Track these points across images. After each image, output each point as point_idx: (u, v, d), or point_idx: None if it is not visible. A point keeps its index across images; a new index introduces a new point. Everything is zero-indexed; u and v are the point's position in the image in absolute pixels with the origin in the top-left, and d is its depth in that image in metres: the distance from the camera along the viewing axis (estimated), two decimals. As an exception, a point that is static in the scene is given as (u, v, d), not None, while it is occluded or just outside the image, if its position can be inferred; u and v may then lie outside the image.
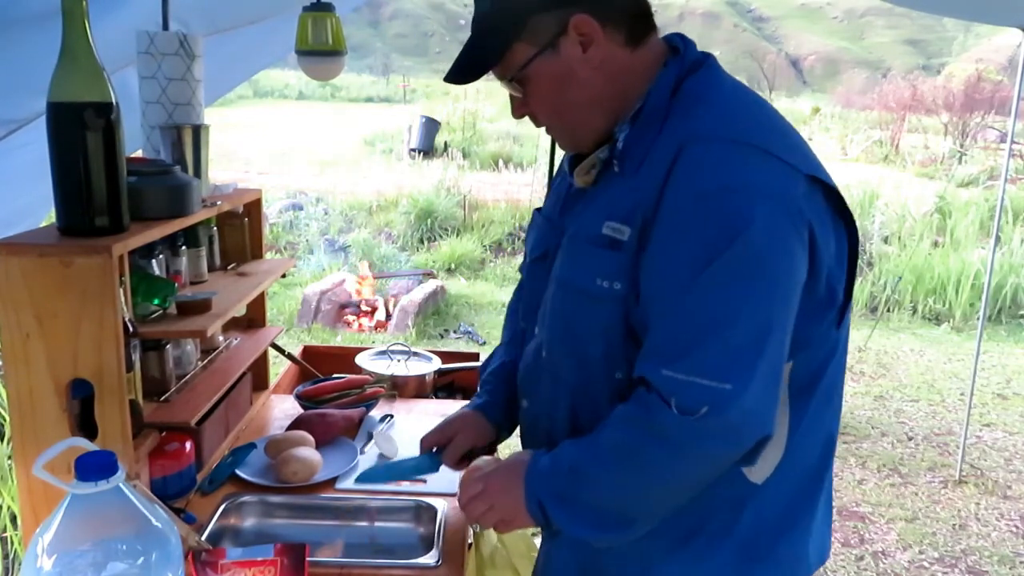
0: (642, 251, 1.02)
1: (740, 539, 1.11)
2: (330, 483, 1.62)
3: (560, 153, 1.28)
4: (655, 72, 1.09)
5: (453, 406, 2.03)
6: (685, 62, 1.09)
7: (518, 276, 1.41)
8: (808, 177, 1.00)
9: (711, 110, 1.05)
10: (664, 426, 0.97)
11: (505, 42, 1.09)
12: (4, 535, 2.81)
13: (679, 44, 1.12)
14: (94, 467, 0.84)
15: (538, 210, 1.34)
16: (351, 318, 6.18)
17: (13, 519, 2.80)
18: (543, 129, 1.18)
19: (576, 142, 1.17)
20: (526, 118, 1.17)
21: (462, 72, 1.13)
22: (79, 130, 1.21)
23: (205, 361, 1.76)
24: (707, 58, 1.12)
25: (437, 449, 1.40)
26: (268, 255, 3.00)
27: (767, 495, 1.10)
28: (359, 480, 1.53)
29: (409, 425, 1.94)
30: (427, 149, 12.60)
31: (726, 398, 0.93)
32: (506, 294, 6.69)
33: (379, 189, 9.70)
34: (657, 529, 1.10)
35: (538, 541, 1.49)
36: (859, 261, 1.05)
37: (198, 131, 1.69)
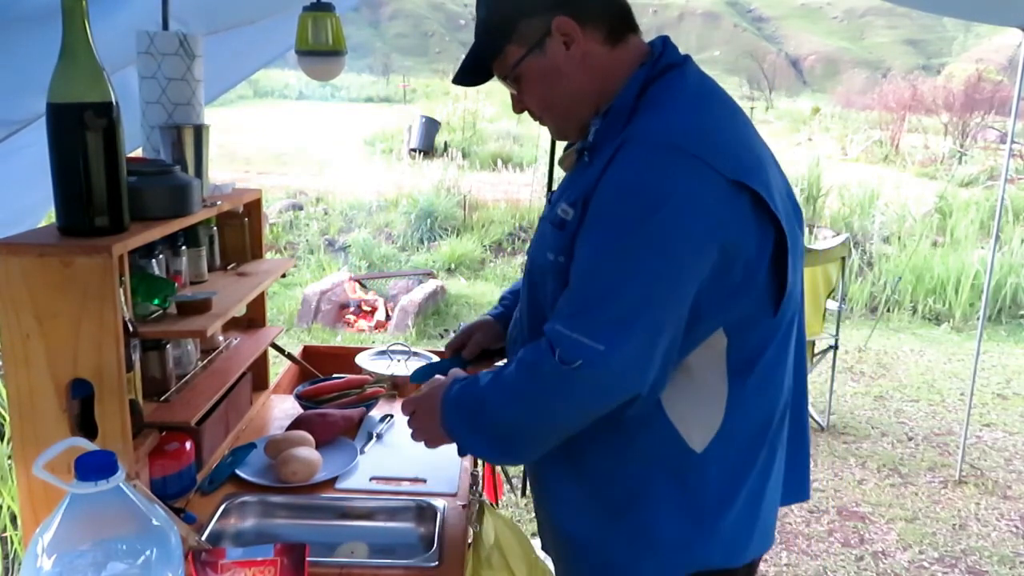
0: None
1: (687, 505, 1.22)
2: (330, 483, 1.62)
3: (559, 153, 1.35)
4: (633, 71, 1.22)
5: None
6: (657, 66, 1.21)
7: (518, 276, 1.50)
8: (732, 182, 1.11)
9: (659, 114, 1.16)
10: (545, 371, 1.11)
11: (499, 45, 1.24)
12: (4, 535, 2.82)
13: (659, 47, 1.24)
14: (94, 467, 0.84)
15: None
16: (351, 318, 6.18)
17: (13, 519, 2.80)
18: (543, 130, 1.32)
19: (564, 131, 1.31)
20: (523, 117, 1.33)
21: (468, 74, 1.30)
22: (79, 130, 1.21)
23: (205, 361, 1.76)
24: (684, 63, 1.23)
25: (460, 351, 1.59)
26: (268, 255, 3.01)
27: (708, 466, 1.21)
28: (412, 379, 1.59)
29: (409, 425, 1.94)
30: (427, 149, 12.59)
31: (598, 356, 1.08)
32: (506, 294, 6.66)
33: (379, 189, 9.69)
34: (603, 492, 1.24)
35: (536, 543, 1.50)
36: (787, 256, 1.20)
37: (198, 131, 1.69)
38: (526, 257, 1.33)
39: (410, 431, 1.34)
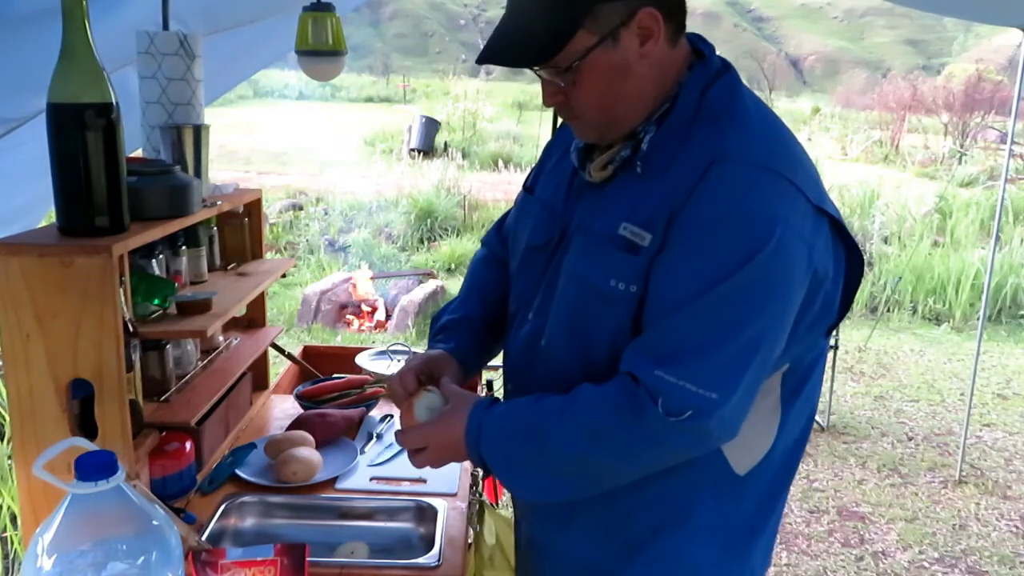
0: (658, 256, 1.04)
1: (722, 531, 1.15)
2: (330, 483, 1.62)
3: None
4: (682, 72, 1.10)
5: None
6: (711, 69, 1.10)
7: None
8: (817, 208, 1.04)
9: (738, 129, 1.06)
10: (647, 422, 1.00)
11: (571, 28, 1.02)
12: (4, 535, 2.82)
13: (702, 47, 1.13)
14: (94, 467, 0.83)
15: (527, 190, 1.31)
16: (351, 318, 6.18)
17: (13, 519, 2.80)
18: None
19: (609, 134, 1.12)
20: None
21: (515, 55, 1.06)
22: (79, 130, 1.21)
23: (205, 361, 1.76)
24: (728, 66, 1.12)
25: None
26: (268, 255, 3.01)
27: (746, 488, 1.15)
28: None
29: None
30: (427, 149, 12.59)
31: (710, 406, 0.98)
32: (506, 294, 6.64)
33: (379, 189, 9.70)
34: (641, 517, 1.15)
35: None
36: (861, 281, 1.14)
37: (198, 131, 1.69)
38: (564, 276, 1.14)
39: (414, 457, 1.17)
